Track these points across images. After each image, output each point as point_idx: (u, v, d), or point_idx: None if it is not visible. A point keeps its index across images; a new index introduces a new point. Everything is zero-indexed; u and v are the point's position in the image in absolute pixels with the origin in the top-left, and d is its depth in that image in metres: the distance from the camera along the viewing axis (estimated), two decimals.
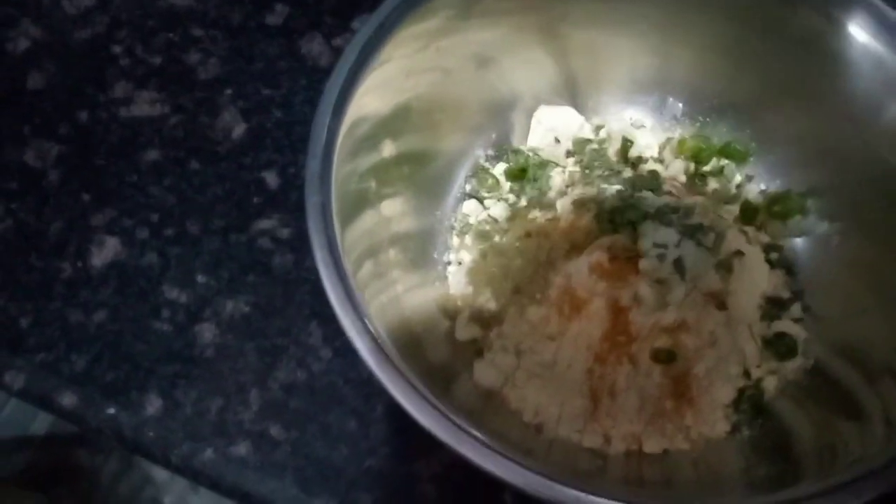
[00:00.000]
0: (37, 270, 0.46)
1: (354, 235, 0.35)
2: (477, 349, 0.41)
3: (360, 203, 0.38)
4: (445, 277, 0.44)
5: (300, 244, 0.46)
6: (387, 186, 0.40)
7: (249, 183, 0.48)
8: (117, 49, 0.53)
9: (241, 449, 0.41)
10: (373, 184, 0.39)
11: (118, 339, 0.44)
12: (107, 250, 0.46)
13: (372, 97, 0.37)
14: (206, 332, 0.44)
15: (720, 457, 0.38)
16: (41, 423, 1.01)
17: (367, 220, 0.38)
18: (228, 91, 0.51)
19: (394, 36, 0.37)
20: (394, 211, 0.41)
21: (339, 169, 0.34)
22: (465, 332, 0.41)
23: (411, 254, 0.42)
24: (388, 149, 0.40)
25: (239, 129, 0.50)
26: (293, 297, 0.45)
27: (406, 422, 0.41)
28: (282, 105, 0.51)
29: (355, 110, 0.36)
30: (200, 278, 0.45)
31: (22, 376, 0.43)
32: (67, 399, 0.42)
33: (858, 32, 0.38)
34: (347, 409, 0.42)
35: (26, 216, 0.47)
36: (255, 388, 0.42)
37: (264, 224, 0.47)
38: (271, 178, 0.48)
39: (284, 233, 0.47)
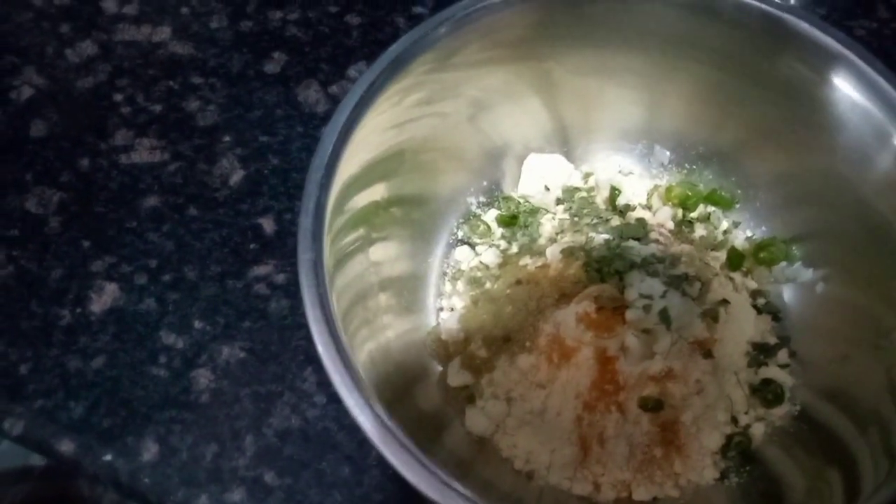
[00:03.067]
0: (37, 317, 0.46)
1: (345, 281, 0.36)
2: (468, 395, 0.41)
3: (352, 249, 0.38)
4: (437, 323, 0.44)
5: (296, 290, 0.46)
6: (379, 231, 0.41)
7: (246, 229, 0.49)
8: (118, 97, 0.54)
9: (236, 496, 0.41)
10: (363, 229, 0.40)
11: (116, 385, 0.44)
12: (106, 296, 0.47)
13: (365, 145, 0.38)
14: (202, 377, 0.44)
15: None
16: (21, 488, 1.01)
17: (357, 265, 0.39)
18: (227, 138, 0.52)
19: (387, 89, 0.38)
20: (386, 255, 0.42)
21: (332, 219, 0.35)
22: (457, 378, 0.41)
23: (404, 299, 0.43)
24: (380, 192, 0.41)
25: (237, 176, 0.51)
26: (288, 343, 0.45)
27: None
28: (279, 152, 0.52)
29: (348, 161, 0.37)
30: (197, 324, 0.46)
31: (21, 423, 0.43)
32: (65, 446, 0.42)
33: (842, 84, 0.39)
34: (341, 456, 0.42)
35: (27, 263, 0.48)
36: (250, 434, 0.43)
37: (260, 270, 0.48)
38: (268, 225, 0.49)
39: (280, 278, 0.47)
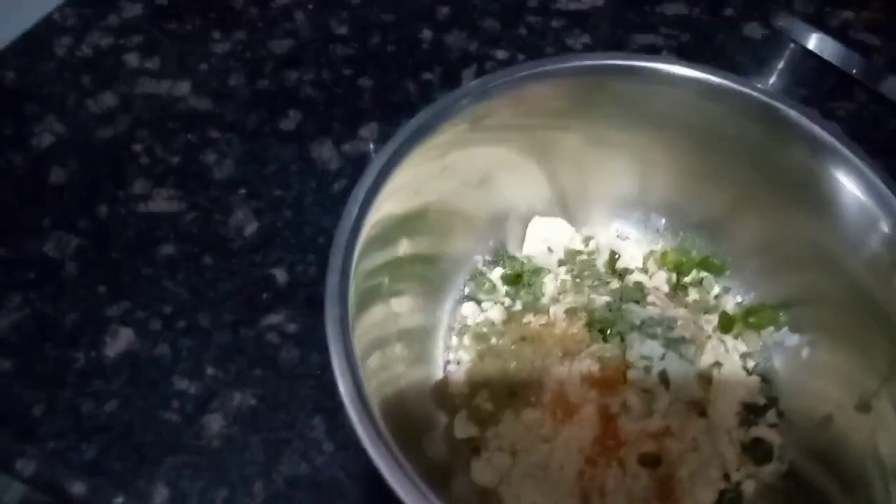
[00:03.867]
0: (51, 359, 0.47)
1: (365, 326, 0.38)
2: (473, 447, 0.43)
3: (372, 296, 0.40)
4: (445, 375, 0.46)
5: (306, 339, 0.49)
6: (395, 284, 0.43)
7: (259, 279, 0.51)
8: (138, 147, 0.57)
9: None
10: (382, 283, 0.42)
11: (128, 428, 0.45)
12: (120, 341, 0.48)
13: (387, 206, 0.40)
14: (214, 423, 0.46)
15: None
16: (14, 492, 0.99)
17: (377, 313, 0.41)
18: (242, 191, 0.55)
19: (409, 154, 0.40)
20: (401, 308, 0.44)
21: (355, 275, 0.37)
22: (463, 430, 0.43)
23: (415, 350, 0.45)
24: (398, 250, 0.43)
25: (251, 228, 0.53)
26: (298, 392, 0.47)
27: None
28: (292, 206, 0.54)
29: (371, 222, 0.39)
30: (210, 370, 0.47)
31: (33, 464, 0.44)
32: (76, 488, 0.43)
33: (832, 170, 0.41)
34: (349, 503, 0.43)
35: (43, 306, 0.49)
36: (260, 481, 0.44)
37: (272, 319, 0.49)
38: (280, 275, 0.51)
39: (291, 328, 0.49)
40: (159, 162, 0.56)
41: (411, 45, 0.63)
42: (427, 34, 0.64)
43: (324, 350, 0.48)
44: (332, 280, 0.35)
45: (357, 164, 0.56)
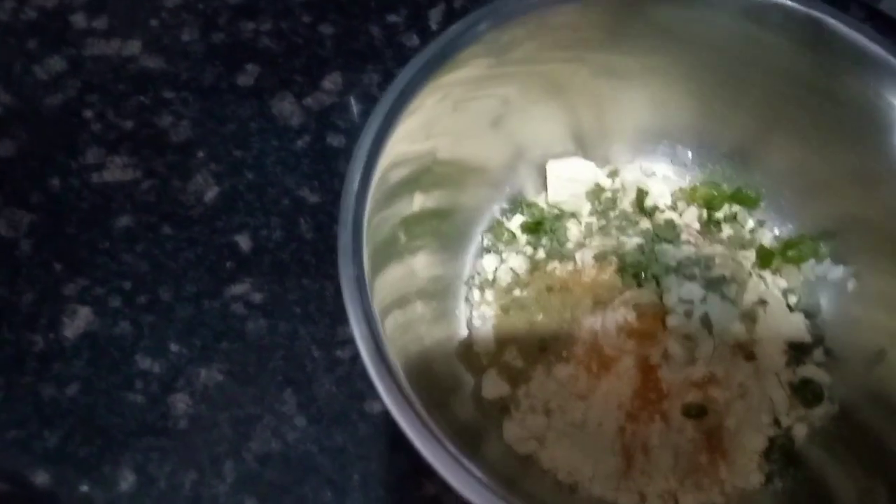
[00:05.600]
0: (9, 344, 0.45)
1: (382, 286, 0.35)
2: (503, 406, 0.41)
3: (387, 253, 0.37)
4: (468, 333, 0.43)
5: (273, 309, 0.46)
6: (411, 241, 0.40)
7: (222, 247, 0.48)
8: (89, 114, 0.53)
9: None
10: (401, 234, 0.39)
11: (91, 412, 0.43)
12: (79, 321, 0.46)
13: (396, 155, 0.37)
14: (180, 402, 0.44)
15: None
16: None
17: (394, 271, 0.38)
18: (200, 154, 0.51)
19: (417, 94, 0.37)
20: (418, 265, 0.41)
21: (368, 231, 0.34)
22: (493, 389, 0.40)
23: (435, 309, 0.42)
24: (409, 204, 0.40)
25: (211, 193, 0.50)
26: (266, 365, 0.44)
27: (383, 490, 0.41)
28: (254, 167, 0.51)
29: (380, 173, 0.35)
30: (174, 347, 0.45)
31: None
32: (40, 477, 0.42)
33: (875, 85, 0.38)
34: (323, 479, 0.41)
35: None
36: (230, 460, 0.42)
37: (237, 289, 0.47)
38: (244, 242, 0.48)
39: (257, 297, 0.46)
40: (112, 128, 0.53)
41: None
42: None
43: (292, 319, 0.46)
44: (344, 238, 0.32)
45: (320, 118, 0.53)
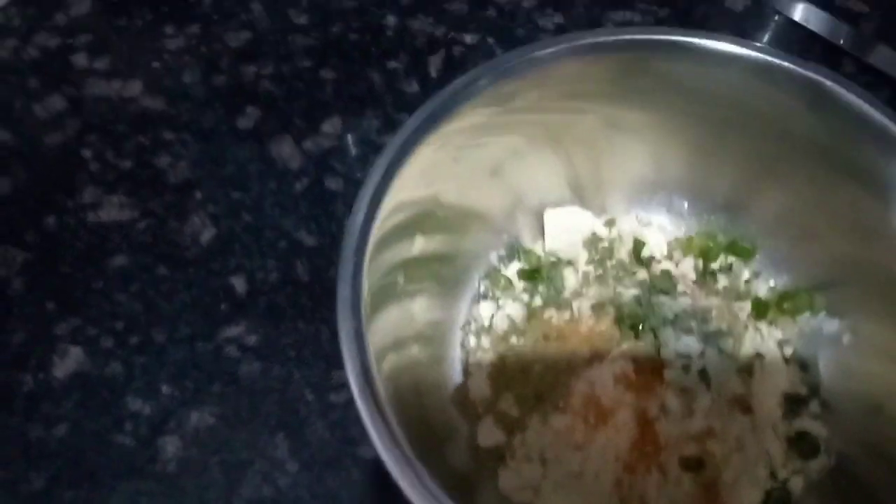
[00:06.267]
0: None
1: (380, 328, 0.35)
2: (499, 455, 0.40)
3: (386, 297, 0.37)
4: (464, 380, 0.43)
5: (267, 352, 0.46)
6: (412, 283, 0.40)
7: (217, 289, 0.48)
8: (87, 153, 0.54)
9: None
10: (400, 279, 0.39)
11: (79, 455, 0.43)
12: (70, 361, 0.45)
13: (396, 204, 0.37)
14: (170, 445, 0.43)
15: None
16: None
17: (393, 314, 0.38)
18: (198, 195, 0.52)
19: (416, 150, 0.37)
20: (417, 308, 0.41)
21: (370, 263, 0.34)
22: (488, 438, 0.40)
23: (431, 353, 0.42)
24: (407, 250, 0.40)
25: (208, 234, 0.50)
26: (259, 408, 0.44)
27: None
28: (251, 209, 0.51)
29: (381, 222, 0.35)
30: (165, 389, 0.45)
31: None
32: None
33: (867, 143, 0.38)
34: None
35: None
36: None
37: (231, 331, 0.46)
38: (239, 284, 0.48)
39: (251, 340, 0.46)
40: (110, 168, 0.53)
41: (374, 32, 0.60)
42: (391, 20, 0.60)
43: (286, 362, 0.46)
44: (343, 291, 0.32)
45: (319, 162, 0.53)
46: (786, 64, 0.40)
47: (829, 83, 0.39)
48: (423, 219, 0.40)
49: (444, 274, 0.44)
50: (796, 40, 0.60)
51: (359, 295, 0.33)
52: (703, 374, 0.40)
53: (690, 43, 0.41)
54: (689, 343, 0.41)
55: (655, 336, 0.41)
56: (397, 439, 0.30)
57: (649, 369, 0.40)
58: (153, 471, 0.42)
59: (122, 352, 0.46)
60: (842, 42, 0.59)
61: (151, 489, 0.42)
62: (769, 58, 0.40)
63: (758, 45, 0.40)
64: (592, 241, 0.46)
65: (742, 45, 0.40)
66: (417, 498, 0.29)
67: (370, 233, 0.34)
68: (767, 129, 0.42)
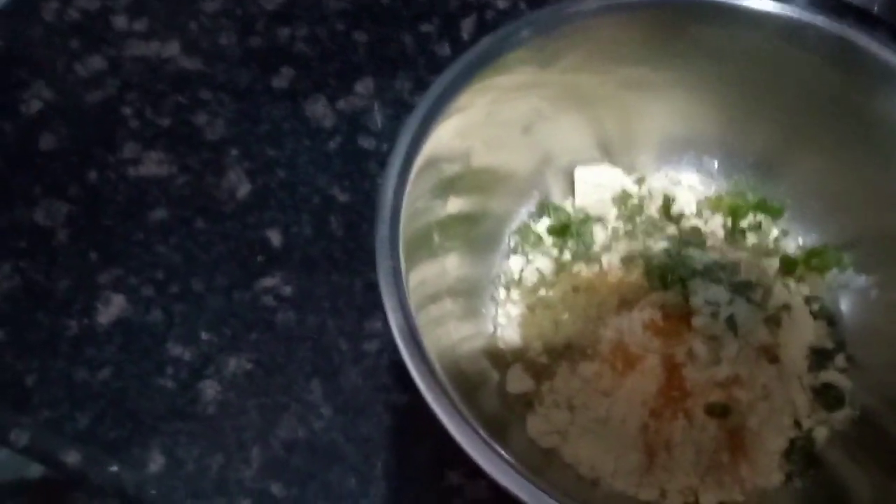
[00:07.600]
0: (43, 328, 0.46)
1: (417, 281, 0.36)
2: (527, 401, 0.41)
3: (421, 251, 0.38)
4: (494, 330, 0.44)
5: (302, 302, 0.47)
6: (443, 240, 0.41)
7: (253, 242, 0.49)
8: (127, 111, 0.55)
9: None
10: (434, 234, 0.40)
11: (122, 396, 0.44)
12: (112, 308, 0.47)
13: (432, 157, 0.38)
14: (209, 388, 0.44)
15: None
16: (37, 466, 1.00)
17: (428, 268, 0.39)
18: (234, 152, 0.53)
19: (457, 97, 0.38)
20: (450, 263, 0.42)
21: (405, 227, 0.35)
22: (517, 384, 0.41)
23: (464, 306, 0.43)
24: (449, 202, 0.41)
25: (244, 189, 0.51)
26: (295, 355, 0.45)
27: (406, 480, 0.42)
28: (286, 165, 0.52)
29: (418, 173, 0.37)
30: (204, 335, 0.46)
31: (26, 434, 0.43)
32: (71, 457, 0.42)
33: None
34: (347, 467, 0.42)
35: (34, 274, 0.48)
36: (257, 446, 0.43)
37: (267, 282, 0.48)
38: (275, 237, 0.49)
39: (287, 290, 0.47)
40: (149, 125, 0.54)
41: None
42: None
43: (320, 312, 0.47)
44: (382, 230, 0.34)
45: (352, 121, 0.54)
46: (818, 22, 0.40)
47: (861, 41, 0.40)
48: (457, 178, 0.42)
49: (475, 234, 0.45)
50: (826, 8, 0.59)
51: (396, 236, 0.34)
52: (731, 322, 0.41)
53: (724, 2, 0.41)
54: (718, 292, 0.41)
55: (684, 286, 0.42)
56: (435, 371, 0.31)
57: (677, 317, 0.41)
58: (193, 412, 0.44)
59: (162, 300, 0.47)
60: (875, 8, 0.58)
61: (191, 429, 0.43)
62: (801, 17, 0.41)
63: (790, 5, 0.41)
64: (622, 198, 0.47)
65: (775, 4, 0.41)
66: (456, 428, 0.30)
67: (407, 179, 0.36)
68: (799, 90, 0.42)
